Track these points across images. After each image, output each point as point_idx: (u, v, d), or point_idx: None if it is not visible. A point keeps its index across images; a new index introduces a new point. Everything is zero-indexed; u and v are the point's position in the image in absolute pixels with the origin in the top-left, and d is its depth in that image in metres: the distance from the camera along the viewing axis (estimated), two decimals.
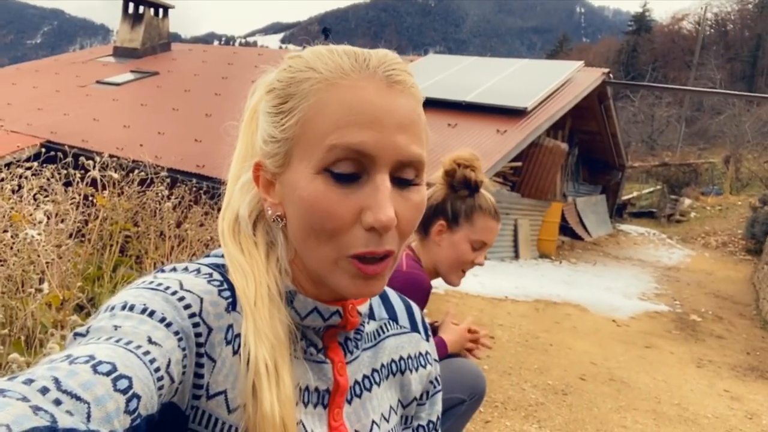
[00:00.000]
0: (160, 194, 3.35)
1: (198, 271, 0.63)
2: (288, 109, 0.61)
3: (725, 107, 26.76)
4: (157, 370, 0.49)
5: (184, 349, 0.54)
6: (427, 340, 0.85)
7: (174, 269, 0.63)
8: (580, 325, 5.90)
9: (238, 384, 0.59)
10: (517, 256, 9.89)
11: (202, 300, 0.59)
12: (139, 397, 0.45)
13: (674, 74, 37.95)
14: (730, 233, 14.75)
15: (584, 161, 14.62)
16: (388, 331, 0.79)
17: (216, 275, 0.63)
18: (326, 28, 14.83)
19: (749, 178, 21.06)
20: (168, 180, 3.58)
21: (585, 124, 12.90)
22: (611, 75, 12.09)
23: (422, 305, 1.72)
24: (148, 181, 3.64)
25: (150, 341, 0.51)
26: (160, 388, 0.49)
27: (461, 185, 1.76)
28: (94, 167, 2.42)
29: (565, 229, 12.38)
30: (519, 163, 9.92)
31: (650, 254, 12.48)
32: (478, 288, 6.62)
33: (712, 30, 45.88)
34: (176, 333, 0.54)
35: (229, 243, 0.66)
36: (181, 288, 0.58)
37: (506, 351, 4.59)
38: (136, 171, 3.40)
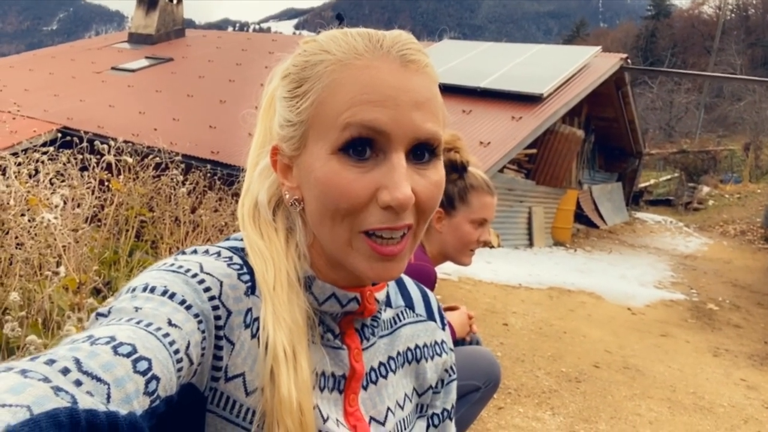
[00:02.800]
0: (174, 180, 3.37)
1: (218, 254, 0.63)
2: (303, 92, 0.61)
3: (745, 94, 26.24)
4: (177, 352, 0.50)
5: (203, 332, 0.55)
6: (443, 328, 0.85)
7: (195, 252, 0.63)
8: (594, 313, 5.86)
9: (256, 367, 0.59)
10: (531, 244, 9.84)
11: (221, 283, 0.59)
12: (158, 379, 0.45)
13: (694, 60, 37.28)
14: (749, 222, 14.53)
15: (600, 148, 14.45)
16: (404, 319, 0.79)
17: (236, 259, 0.63)
18: (340, 14, 14.71)
19: None
20: (183, 166, 3.59)
21: (602, 110, 12.74)
22: (629, 61, 11.90)
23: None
24: (163, 166, 3.66)
25: (170, 323, 0.51)
26: (180, 369, 0.50)
27: (449, 169, 1.77)
28: (109, 152, 2.43)
29: (580, 216, 12.29)
30: (534, 150, 9.84)
31: (667, 242, 12.34)
32: (492, 275, 6.60)
33: (733, 15, 44.88)
34: (196, 315, 0.54)
35: (249, 228, 0.66)
36: (202, 271, 0.59)
37: (520, 338, 4.58)
38: (151, 156, 3.42)
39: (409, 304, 0.81)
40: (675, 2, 55.06)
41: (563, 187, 10.93)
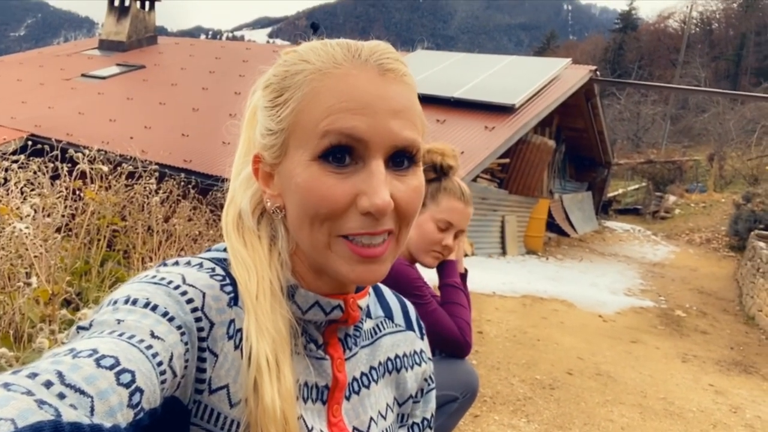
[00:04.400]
0: (148, 188, 3.32)
1: (200, 265, 0.63)
2: (283, 101, 0.62)
3: (710, 105, 27.04)
4: (160, 364, 0.49)
5: (186, 344, 0.54)
6: (422, 338, 0.85)
7: (176, 263, 0.62)
8: (567, 320, 5.95)
9: (240, 378, 0.59)
10: (504, 252, 9.94)
11: (204, 294, 0.59)
12: (142, 391, 0.45)
13: (660, 72, 38.29)
14: (714, 230, 14.93)
15: (571, 158, 14.71)
16: (384, 329, 0.79)
17: (218, 270, 0.63)
18: (314, 23, 14.76)
19: (733, 175, 21.33)
20: (156, 174, 3.55)
21: (572, 121, 12.98)
22: (598, 72, 12.17)
23: (412, 284, 1.75)
24: (136, 175, 3.61)
25: (152, 335, 0.51)
26: (163, 382, 0.49)
27: (429, 169, 1.81)
28: (83, 160, 2.39)
29: (551, 225, 12.47)
30: (507, 160, 9.97)
31: (635, 251, 12.60)
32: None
33: (698, 29, 46.33)
34: (179, 327, 0.54)
35: (233, 237, 0.66)
36: (184, 282, 0.58)
37: (494, 346, 4.62)
38: (124, 165, 3.37)
39: (389, 315, 0.81)
40: (642, 16, 56.51)
41: (535, 196, 11.08)
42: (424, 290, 1.80)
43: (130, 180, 3.45)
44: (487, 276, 7.38)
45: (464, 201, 1.82)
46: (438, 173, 1.81)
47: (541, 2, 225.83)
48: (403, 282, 1.76)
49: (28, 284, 1.50)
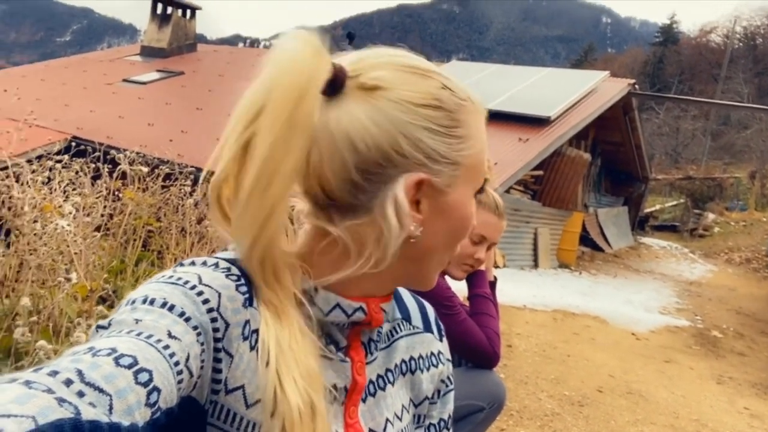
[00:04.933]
0: (183, 190, 3.39)
1: (216, 265, 0.62)
2: (462, 136, 0.65)
3: (752, 122, 26.31)
4: (177, 364, 0.50)
5: (202, 344, 0.55)
6: (441, 339, 0.85)
7: (192, 263, 0.63)
8: (598, 337, 5.83)
9: (256, 380, 0.59)
10: (536, 265, 9.82)
11: (220, 295, 0.59)
12: (159, 391, 0.46)
13: (701, 87, 37.46)
14: (754, 250, 14.47)
15: (607, 172, 14.47)
16: (401, 331, 0.80)
17: (234, 269, 0.63)
18: (351, 33, 14.88)
19: None
20: (191, 177, 3.62)
21: (609, 134, 12.78)
22: (637, 86, 11.97)
23: (442, 294, 1.76)
24: (172, 178, 3.69)
25: (170, 335, 0.51)
26: (180, 381, 0.50)
27: None
28: (123, 161, 2.46)
29: (585, 239, 12.27)
30: (540, 172, 9.86)
31: (672, 268, 12.29)
32: (497, 295, 6.57)
33: (741, 44, 45.15)
34: (195, 327, 0.55)
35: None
36: (200, 283, 0.59)
37: (523, 360, 4.56)
38: (161, 167, 3.45)
39: (406, 317, 0.82)
40: (683, 29, 55.45)
41: (569, 209, 10.93)
42: (453, 300, 1.80)
43: (166, 182, 3.53)
44: (519, 289, 7.29)
45: (498, 214, 1.83)
46: None
47: (579, 14, 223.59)
48: (432, 292, 1.76)
49: (68, 280, 1.55)
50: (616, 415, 3.72)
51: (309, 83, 0.58)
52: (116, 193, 2.91)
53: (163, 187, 3.44)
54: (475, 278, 1.93)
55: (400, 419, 0.75)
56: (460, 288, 1.93)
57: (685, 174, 21.40)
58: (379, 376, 0.74)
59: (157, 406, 0.45)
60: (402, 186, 0.62)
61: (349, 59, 0.64)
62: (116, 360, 0.45)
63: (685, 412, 4.03)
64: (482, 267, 1.94)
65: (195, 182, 3.85)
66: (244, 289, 0.61)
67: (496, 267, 8.41)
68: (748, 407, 4.44)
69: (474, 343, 1.80)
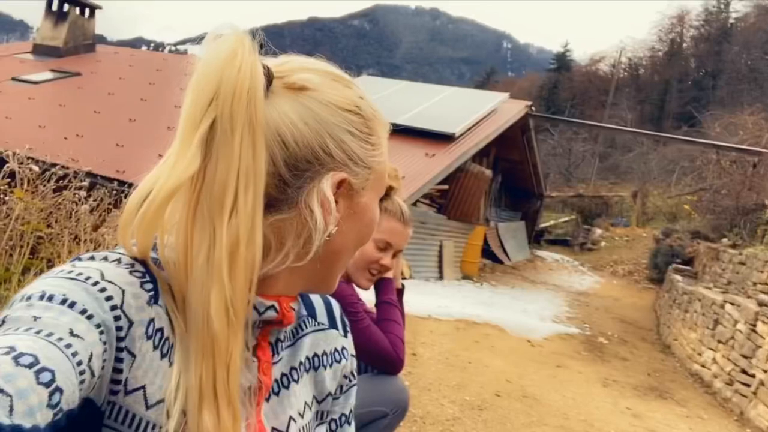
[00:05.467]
0: (77, 195, 3.20)
1: (119, 261, 0.60)
2: (376, 143, 0.70)
3: (635, 145, 28.71)
4: (80, 363, 0.48)
5: (105, 343, 0.53)
6: (345, 335, 0.86)
7: (92, 258, 0.59)
8: (497, 344, 6.10)
9: (158, 380, 0.58)
10: (441, 277, 10.10)
11: (124, 292, 0.56)
12: (62, 391, 0.44)
13: (590, 112, 40.28)
14: (636, 263, 15.75)
15: (507, 188, 15.22)
16: (306, 328, 0.79)
17: (138, 266, 0.60)
18: (260, 43, 14.73)
19: (654, 212, 22.65)
20: (86, 182, 3.42)
21: (508, 153, 13.48)
22: (533, 108, 12.73)
23: (346, 300, 1.77)
24: (66, 182, 3.47)
25: (72, 334, 0.49)
26: (82, 382, 0.48)
27: None
28: (12, 158, 2.28)
29: (487, 252, 12.79)
30: (446, 186, 10.20)
31: (564, 280, 13.10)
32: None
33: (626, 73, 49.19)
34: (98, 326, 0.52)
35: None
36: (103, 278, 0.56)
37: (427, 368, 4.68)
38: (53, 170, 3.24)
39: (311, 313, 0.81)
40: (575, 57, 59.48)
41: (472, 222, 11.37)
42: (357, 307, 1.81)
43: (58, 186, 3.32)
44: (424, 299, 7.48)
45: (404, 222, 1.85)
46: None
47: (482, 38, 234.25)
48: (337, 298, 1.77)
49: None
50: (512, 418, 3.92)
51: (256, 82, 0.59)
52: (1, 197, 2.69)
53: (55, 191, 3.23)
54: (382, 286, 1.96)
55: (302, 416, 0.75)
56: (369, 297, 1.97)
57: (576, 192, 22.97)
58: (283, 374, 0.74)
59: (59, 408, 0.43)
60: (329, 183, 0.64)
61: (273, 62, 0.65)
62: (15, 359, 0.42)
63: (575, 413, 4.31)
64: (389, 275, 1.99)
65: (91, 188, 3.65)
66: (149, 286, 0.59)
67: (404, 278, 8.57)
68: (630, 407, 4.82)
69: (377, 349, 1.82)
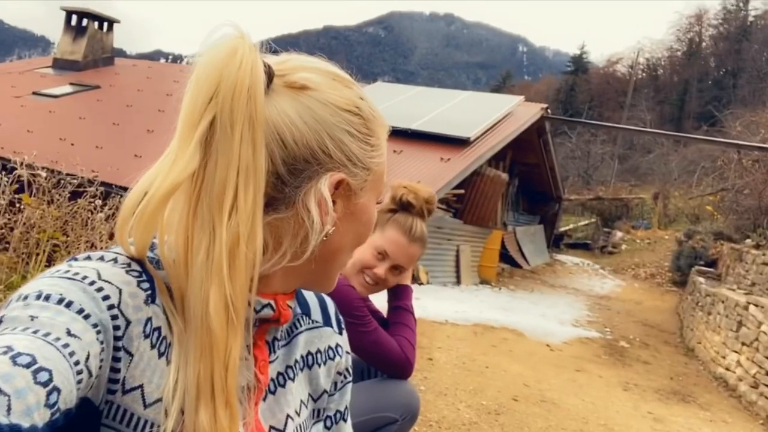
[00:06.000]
0: (93, 204, 3.25)
1: (115, 260, 0.60)
2: (375, 145, 0.70)
3: (655, 146, 28.38)
4: (77, 363, 0.48)
5: (102, 343, 0.53)
6: (340, 333, 0.86)
7: (89, 258, 0.60)
8: (515, 349, 6.03)
9: (155, 379, 0.58)
10: (458, 282, 10.05)
11: (121, 291, 0.56)
12: (59, 391, 0.44)
13: (608, 114, 39.97)
14: (658, 265, 15.50)
15: (524, 192, 15.11)
16: (301, 326, 0.80)
17: (134, 265, 0.60)
18: (276, 50, 14.87)
19: (676, 213, 22.31)
20: (101, 190, 3.47)
21: (525, 156, 13.39)
22: (549, 110, 12.65)
23: (351, 304, 1.75)
24: (82, 191, 3.53)
25: (69, 333, 0.49)
26: (79, 381, 0.48)
27: (392, 200, 1.86)
28: (20, 166, 2.32)
29: (505, 256, 12.70)
30: (462, 191, 10.16)
31: (584, 283, 12.94)
32: (420, 311, 6.63)
33: (644, 74, 48.77)
34: (95, 325, 0.52)
35: None
36: (99, 278, 0.56)
37: (443, 372, 4.64)
38: (69, 178, 3.29)
39: (306, 311, 0.81)
40: (592, 59, 59.09)
41: (489, 227, 11.31)
42: (363, 310, 1.78)
43: (74, 194, 3.37)
44: (441, 304, 7.44)
45: (410, 237, 1.81)
46: (397, 206, 1.84)
47: (497, 42, 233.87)
48: (342, 301, 1.75)
49: None
50: (530, 422, 3.86)
51: (257, 79, 0.59)
52: (18, 205, 2.74)
53: (70, 200, 3.28)
54: (398, 291, 1.94)
55: (299, 414, 0.75)
56: (382, 304, 1.95)
57: (596, 195, 22.72)
58: (279, 373, 0.74)
59: (56, 407, 0.44)
60: (326, 183, 0.64)
61: (273, 59, 0.65)
62: (13, 359, 0.43)
63: (594, 418, 4.24)
64: (406, 281, 1.98)
65: (106, 196, 3.70)
66: (146, 285, 0.59)
67: (421, 283, 8.55)
68: (651, 411, 4.73)
69: (385, 352, 1.79)
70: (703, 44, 47.43)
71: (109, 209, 3.23)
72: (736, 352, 6.06)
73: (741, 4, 45.61)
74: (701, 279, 9.40)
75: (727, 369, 6.15)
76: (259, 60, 0.60)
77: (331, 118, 0.64)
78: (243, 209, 0.57)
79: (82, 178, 3.66)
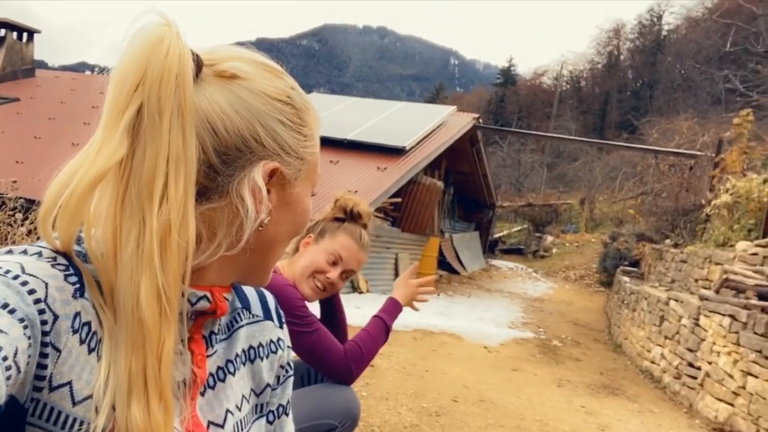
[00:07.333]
0: (13, 218, 3.09)
1: (39, 254, 0.57)
2: (308, 135, 0.70)
3: (580, 154, 29.69)
4: (5, 359, 0.46)
5: (29, 338, 0.50)
6: (281, 327, 0.85)
7: (10, 252, 0.57)
8: (455, 352, 6.15)
9: (85, 375, 0.56)
10: None
11: (47, 285, 0.54)
12: None
13: (537, 124, 41.44)
14: (587, 267, 16.19)
15: (459, 200, 15.44)
16: (241, 320, 0.79)
17: (60, 259, 0.58)
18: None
19: (601, 217, 23.43)
20: (21, 202, 3.30)
21: (459, 165, 13.72)
22: (480, 120, 13.02)
23: (293, 304, 1.76)
24: (0, 205, 3.35)
25: None
26: (8, 378, 0.46)
27: (339, 209, 1.93)
28: None
29: (442, 263, 12.92)
30: (399, 200, 10.29)
31: (518, 287, 13.34)
32: (360, 320, 6.63)
33: (568, 86, 50.98)
34: (21, 320, 0.50)
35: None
36: (24, 272, 0.53)
37: (384, 378, 4.67)
38: None
39: (246, 305, 0.81)
40: (520, 72, 61.17)
41: (426, 234, 11.48)
42: (305, 310, 1.78)
43: None
44: None
45: (360, 245, 1.89)
46: (346, 216, 1.91)
47: (430, 55, 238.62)
48: (283, 301, 1.74)
49: None
50: (469, 422, 3.95)
51: (185, 67, 0.58)
52: None
53: None
54: (387, 303, 1.99)
55: (240, 409, 0.75)
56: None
57: (527, 202, 23.53)
58: (219, 368, 0.73)
59: None
60: (260, 172, 0.63)
61: (201, 49, 0.64)
62: None
63: (530, 414, 4.38)
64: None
65: (28, 211, 3.53)
66: (73, 279, 0.57)
67: (360, 292, 8.57)
68: (584, 405, 4.93)
69: (323, 354, 1.79)
70: (621, 57, 50.10)
71: (31, 223, 3.07)
72: (659, 345, 6.42)
73: (655, 20, 48.58)
74: (626, 278, 9.90)
75: (652, 362, 6.50)
76: (186, 48, 0.59)
77: (263, 107, 0.64)
78: (174, 198, 0.56)
79: (0, 194, 3.48)
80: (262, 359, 0.80)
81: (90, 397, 0.55)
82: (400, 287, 2.04)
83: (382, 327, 1.93)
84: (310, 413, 1.79)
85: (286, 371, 0.85)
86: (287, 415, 0.85)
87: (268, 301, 0.86)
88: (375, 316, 1.95)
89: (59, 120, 11.83)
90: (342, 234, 1.88)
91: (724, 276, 5.53)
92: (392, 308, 1.98)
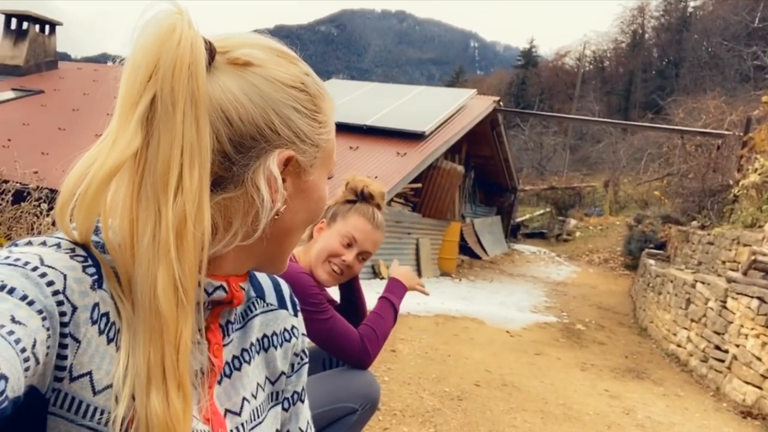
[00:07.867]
0: (38, 208, 3.14)
1: (58, 245, 0.57)
2: (323, 122, 0.69)
3: (604, 136, 29.23)
4: (23, 350, 0.47)
5: (48, 329, 0.51)
6: (296, 315, 0.86)
7: (29, 243, 0.58)
8: (477, 336, 6.14)
9: (105, 365, 0.56)
10: (419, 275, 10.12)
11: (65, 276, 0.55)
12: (6, 379, 0.43)
13: (559, 105, 40.89)
14: (611, 250, 15.99)
15: (480, 184, 15.33)
16: (256, 309, 0.79)
17: (79, 250, 0.58)
18: None
19: (626, 200, 23.09)
20: (45, 193, 3.35)
21: (479, 149, 13.59)
22: (501, 103, 12.86)
23: (307, 291, 1.75)
24: (25, 197, 3.40)
25: (13, 320, 0.48)
26: (27, 369, 0.47)
27: (350, 191, 1.91)
28: None
29: (464, 248, 12.87)
30: (419, 185, 10.25)
31: (541, 271, 13.24)
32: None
33: (591, 66, 50.04)
34: (39, 312, 0.51)
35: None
36: (42, 263, 0.54)
37: (407, 363, 4.69)
38: (10, 183, 3.17)
39: (260, 294, 0.81)
40: (541, 53, 60.30)
41: (447, 219, 11.43)
42: (319, 298, 1.78)
43: (19, 203, 3.25)
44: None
45: (374, 224, 1.86)
46: (357, 197, 1.89)
47: (449, 38, 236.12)
48: (297, 288, 1.74)
49: None
50: (491, 406, 3.95)
51: (197, 56, 0.57)
52: None
53: (14, 204, 3.16)
54: (391, 283, 1.99)
55: (256, 397, 0.75)
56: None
57: (549, 185, 23.25)
58: (234, 357, 0.73)
59: (4, 395, 0.43)
60: (275, 160, 0.63)
61: (214, 37, 0.64)
62: None
63: (553, 398, 4.36)
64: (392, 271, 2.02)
65: (52, 201, 3.59)
66: (92, 270, 0.57)
67: (381, 278, 8.58)
68: (607, 389, 4.89)
69: (340, 340, 1.79)
70: (646, 35, 49.00)
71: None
72: (685, 328, 6.32)
73: None
74: (651, 261, 9.75)
75: (678, 345, 6.41)
76: (199, 36, 0.58)
77: (277, 95, 0.63)
78: (189, 189, 0.56)
79: (25, 185, 3.53)
80: (276, 348, 0.81)
81: (110, 386, 0.56)
82: (397, 271, 2.05)
83: (390, 307, 1.94)
84: (330, 397, 1.80)
85: (301, 359, 0.85)
86: (302, 401, 0.86)
87: (282, 289, 0.86)
88: (381, 297, 1.95)
89: (83, 111, 12.00)
90: (354, 215, 1.86)
91: (753, 257, 5.40)
92: (397, 289, 1.99)
